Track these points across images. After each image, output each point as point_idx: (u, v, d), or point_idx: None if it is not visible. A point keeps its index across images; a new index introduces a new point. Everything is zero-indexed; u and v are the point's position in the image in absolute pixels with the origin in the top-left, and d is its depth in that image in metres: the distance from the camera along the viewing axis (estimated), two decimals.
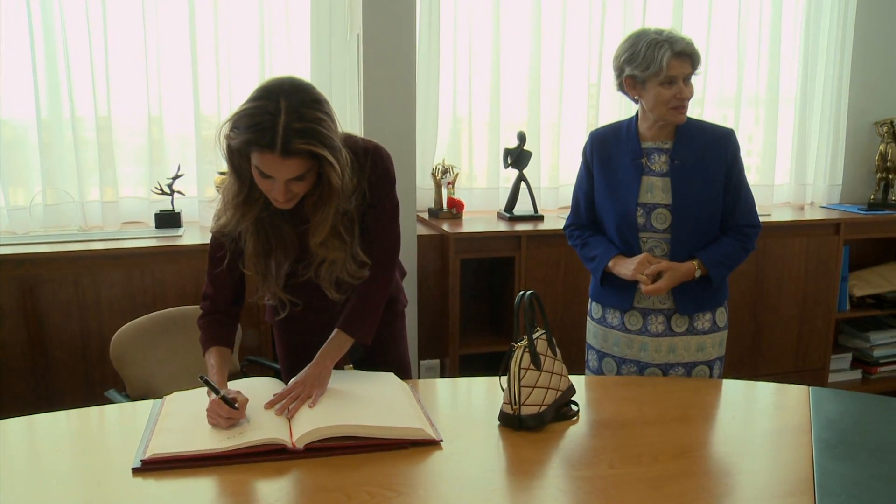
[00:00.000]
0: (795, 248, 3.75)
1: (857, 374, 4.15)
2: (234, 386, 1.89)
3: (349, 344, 1.97)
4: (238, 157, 1.71)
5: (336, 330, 1.96)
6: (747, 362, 3.77)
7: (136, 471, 1.58)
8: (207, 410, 1.73)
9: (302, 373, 1.89)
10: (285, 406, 1.80)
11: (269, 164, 1.65)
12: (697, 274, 2.24)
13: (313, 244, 1.82)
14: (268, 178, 1.68)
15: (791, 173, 4.23)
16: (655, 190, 2.25)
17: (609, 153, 2.33)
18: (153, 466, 1.58)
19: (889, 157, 4.14)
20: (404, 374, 2.17)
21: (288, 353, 2.18)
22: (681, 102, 2.18)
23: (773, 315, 3.79)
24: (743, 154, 4.06)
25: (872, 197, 4.20)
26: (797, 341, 3.86)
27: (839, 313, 3.94)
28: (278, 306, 1.99)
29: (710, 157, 2.24)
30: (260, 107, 1.63)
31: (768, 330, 3.80)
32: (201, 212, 3.40)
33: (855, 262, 4.15)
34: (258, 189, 1.75)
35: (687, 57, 2.15)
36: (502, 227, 3.46)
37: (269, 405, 1.81)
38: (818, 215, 3.94)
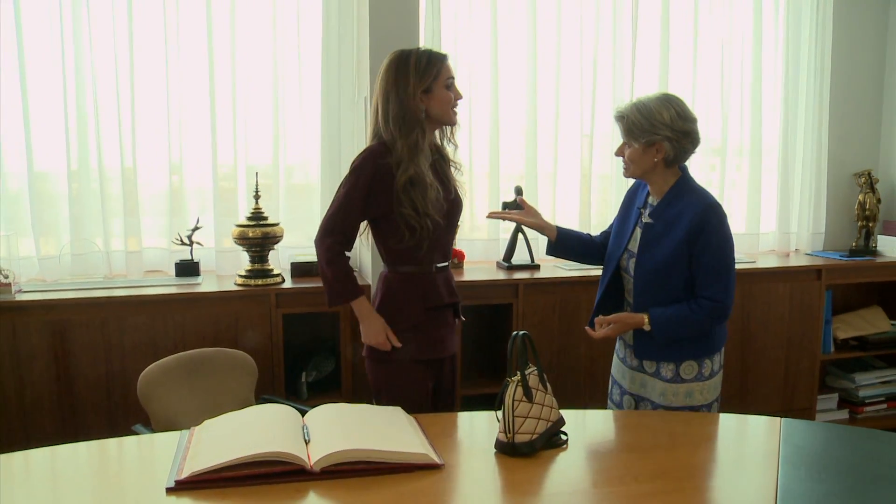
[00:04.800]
0: (779, 294, 3.94)
1: (844, 414, 4.30)
2: (252, 411, 2.13)
3: None
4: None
5: None
6: (736, 403, 3.92)
7: (169, 490, 1.77)
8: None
9: None
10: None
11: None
12: (647, 328, 2.43)
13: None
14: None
15: (776, 222, 4.44)
16: (636, 240, 2.51)
17: (632, 199, 2.63)
18: (186, 486, 1.78)
19: (867, 206, 4.35)
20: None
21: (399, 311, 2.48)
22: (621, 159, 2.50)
23: (760, 357, 3.97)
24: (730, 202, 4.30)
25: (854, 244, 4.40)
26: (784, 382, 4.03)
27: (824, 355, 4.12)
28: (421, 231, 2.36)
29: (679, 223, 2.41)
30: None
31: (756, 371, 3.97)
32: (218, 261, 3.62)
33: (839, 306, 4.34)
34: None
35: (617, 120, 2.47)
36: (501, 275, 3.67)
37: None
38: (802, 262, 4.14)
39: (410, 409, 2.30)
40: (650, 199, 2.54)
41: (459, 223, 2.64)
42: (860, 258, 4.19)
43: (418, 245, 2.38)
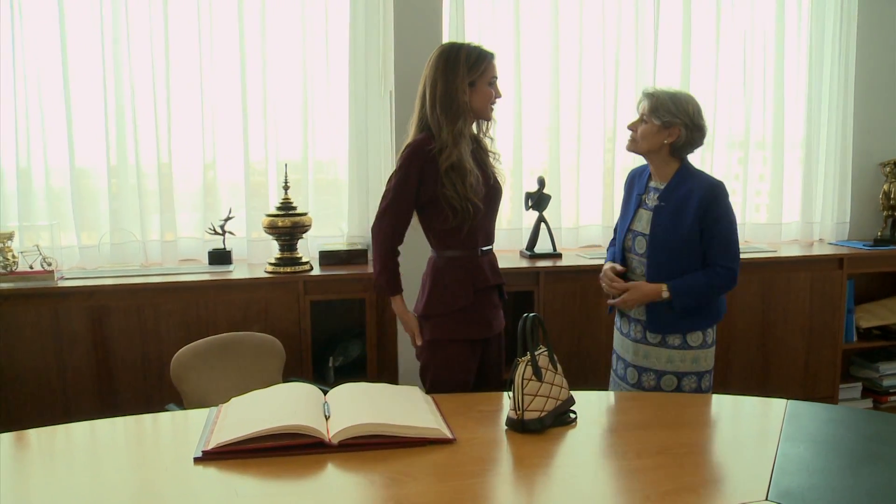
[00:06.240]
0: (800, 282, 3.97)
1: (867, 403, 4.32)
2: (276, 389, 2.26)
3: None
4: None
5: None
6: (756, 391, 3.95)
7: (197, 460, 1.90)
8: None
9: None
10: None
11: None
12: (665, 296, 2.56)
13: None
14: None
15: (799, 212, 4.46)
16: (643, 221, 2.67)
17: (632, 187, 2.82)
18: (212, 456, 1.90)
19: (893, 196, 4.36)
20: None
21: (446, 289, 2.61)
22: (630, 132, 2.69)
23: (781, 346, 4.00)
24: (754, 193, 4.36)
25: (879, 233, 4.41)
26: (805, 371, 4.06)
27: (846, 344, 4.14)
28: (462, 213, 2.50)
29: (689, 201, 2.58)
30: None
31: (776, 360, 4.01)
32: (250, 250, 3.77)
33: (863, 295, 4.36)
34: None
35: (646, 97, 2.64)
36: (523, 264, 3.76)
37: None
38: (826, 251, 4.17)
39: (455, 387, 2.54)
40: (653, 184, 2.69)
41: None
42: (884, 248, 4.20)
43: (460, 227, 2.53)
